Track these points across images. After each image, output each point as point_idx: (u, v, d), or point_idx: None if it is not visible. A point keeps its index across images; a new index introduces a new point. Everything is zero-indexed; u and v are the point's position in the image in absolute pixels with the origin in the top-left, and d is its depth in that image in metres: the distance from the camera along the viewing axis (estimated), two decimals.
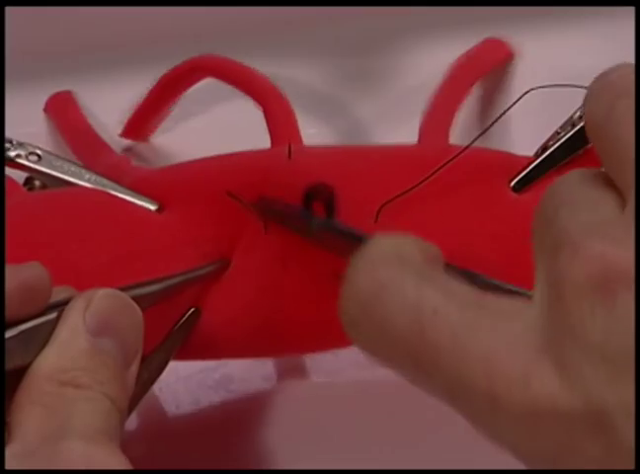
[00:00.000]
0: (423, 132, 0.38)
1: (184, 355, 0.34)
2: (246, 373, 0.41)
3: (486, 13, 0.48)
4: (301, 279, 0.35)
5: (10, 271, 0.26)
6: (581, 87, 0.34)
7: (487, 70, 0.46)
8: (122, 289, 0.28)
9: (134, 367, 0.28)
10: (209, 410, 0.40)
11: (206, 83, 0.43)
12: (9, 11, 0.45)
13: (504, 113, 0.35)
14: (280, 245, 0.35)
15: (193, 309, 0.34)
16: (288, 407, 0.40)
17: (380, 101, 0.45)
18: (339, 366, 0.41)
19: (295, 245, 0.35)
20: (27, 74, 0.49)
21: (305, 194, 0.35)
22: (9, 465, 0.23)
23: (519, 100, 0.34)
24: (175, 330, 0.34)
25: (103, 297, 0.27)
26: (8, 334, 0.25)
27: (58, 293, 0.27)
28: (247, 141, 0.37)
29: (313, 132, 0.47)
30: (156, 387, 0.39)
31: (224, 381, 0.41)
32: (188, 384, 0.40)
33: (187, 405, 0.40)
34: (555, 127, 0.38)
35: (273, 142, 0.38)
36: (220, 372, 0.41)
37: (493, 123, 0.35)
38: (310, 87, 0.48)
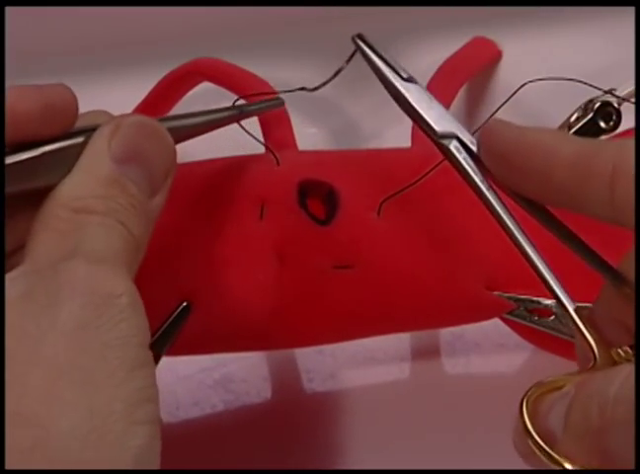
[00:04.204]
0: (415, 132, 0.38)
1: (176, 350, 0.34)
2: (246, 374, 0.41)
3: (481, 13, 0.48)
4: (299, 273, 0.35)
5: (31, 90, 0.25)
6: (578, 81, 0.35)
7: (475, 70, 0.46)
8: (177, 118, 0.29)
9: (161, 195, 0.27)
10: (209, 410, 0.40)
11: (206, 85, 0.43)
12: (9, 11, 0.45)
13: (500, 107, 0.35)
14: (275, 238, 0.35)
15: (184, 304, 0.34)
16: (288, 407, 0.40)
17: (377, 99, 0.45)
18: (338, 367, 0.41)
19: (292, 238, 0.35)
20: (25, 74, 0.48)
21: (299, 188, 0.34)
22: (11, 285, 0.23)
23: (515, 93, 0.34)
24: (166, 325, 0.34)
25: (131, 124, 0.27)
26: (28, 155, 0.25)
27: (93, 118, 0.27)
28: (247, 144, 0.37)
29: (312, 132, 0.48)
30: None
31: (224, 381, 0.41)
32: (187, 385, 0.40)
33: (187, 405, 0.40)
34: (547, 126, 0.38)
35: (267, 147, 0.38)
36: (220, 372, 0.41)
37: (489, 119, 0.35)
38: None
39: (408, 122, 0.39)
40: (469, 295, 0.35)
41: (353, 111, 0.48)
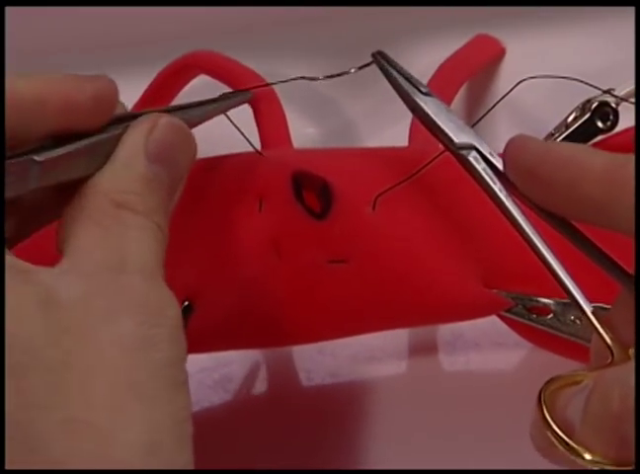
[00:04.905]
0: (413, 132, 0.38)
1: None
2: (246, 374, 0.41)
3: (481, 13, 0.48)
4: (294, 267, 0.35)
5: (86, 81, 0.26)
6: (575, 79, 0.35)
7: (477, 68, 0.46)
8: (170, 110, 0.29)
9: (176, 198, 0.27)
10: (209, 410, 0.40)
11: (203, 81, 0.43)
12: (9, 11, 0.45)
13: (496, 103, 0.35)
14: (273, 231, 0.34)
15: (186, 303, 0.34)
16: (288, 407, 0.40)
17: (376, 100, 0.46)
18: (337, 366, 0.41)
19: (288, 231, 0.35)
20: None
21: (293, 178, 0.35)
22: (60, 281, 0.23)
23: (512, 90, 0.34)
24: None
25: (166, 125, 0.27)
26: (76, 146, 0.25)
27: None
28: (240, 142, 0.37)
29: (311, 132, 0.48)
30: None
31: (224, 381, 0.41)
32: None
33: None
34: (544, 126, 0.38)
35: (262, 144, 0.38)
36: (220, 372, 0.41)
37: (485, 115, 0.35)
38: (307, 87, 0.48)
39: (406, 123, 0.39)
40: (466, 292, 0.35)
41: (351, 111, 0.48)
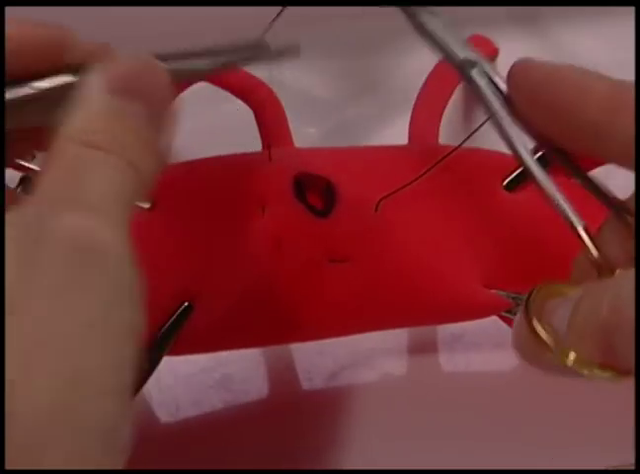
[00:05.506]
0: (412, 132, 0.38)
1: (178, 349, 0.34)
2: (246, 374, 0.41)
3: (482, 13, 0.48)
4: (294, 265, 0.35)
5: (36, 26, 0.27)
6: None
7: None
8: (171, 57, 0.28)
9: (167, 136, 0.26)
10: (210, 410, 0.40)
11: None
12: (9, 11, 0.45)
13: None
14: (275, 231, 0.34)
15: (186, 304, 0.34)
16: (288, 407, 0.40)
17: (377, 100, 0.46)
18: (338, 367, 0.41)
19: (289, 229, 0.34)
20: None
21: (295, 180, 0.35)
22: (8, 223, 0.22)
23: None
24: (168, 325, 0.34)
25: (125, 59, 0.26)
26: (23, 91, 0.25)
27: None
28: (241, 143, 0.37)
29: (312, 132, 0.48)
30: (156, 388, 0.40)
31: (224, 381, 0.41)
32: (188, 385, 0.40)
33: (187, 406, 0.40)
34: None
35: (264, 145, 0.38)
36: (220, 373, 0.41)
37: (488, 119, 0.35)
38: (309, 87, 0.48)
39: (405, 123, 0.39)
40: (467, 293, 0.35)
41: (351, 111, 0.48)
